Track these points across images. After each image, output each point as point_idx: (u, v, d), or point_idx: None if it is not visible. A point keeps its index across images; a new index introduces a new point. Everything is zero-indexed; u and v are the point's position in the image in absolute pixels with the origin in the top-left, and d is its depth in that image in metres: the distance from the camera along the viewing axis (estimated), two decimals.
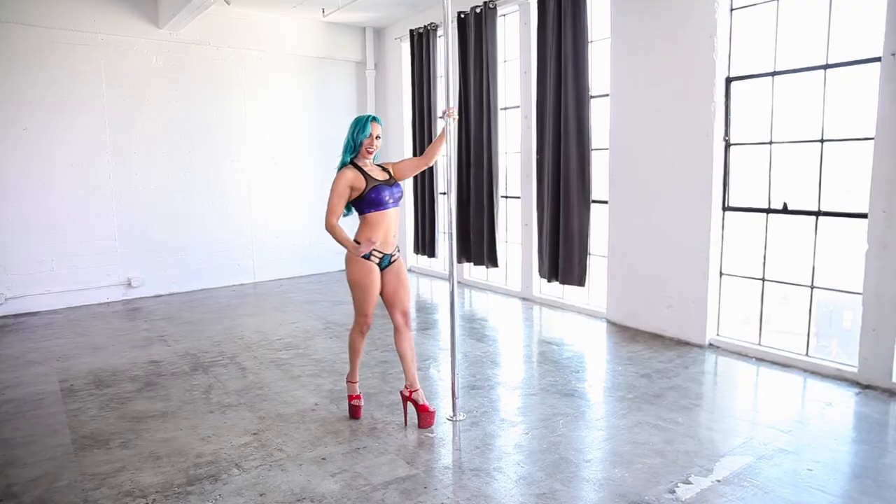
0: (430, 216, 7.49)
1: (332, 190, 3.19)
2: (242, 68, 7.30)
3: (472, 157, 6.68)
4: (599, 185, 5.53)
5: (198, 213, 7.14)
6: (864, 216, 3.88)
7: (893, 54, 3.64)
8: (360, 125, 3.24)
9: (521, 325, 5.61)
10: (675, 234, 4.88)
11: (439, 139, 3.49)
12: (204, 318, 5.91)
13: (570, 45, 5.44)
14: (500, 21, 6.44)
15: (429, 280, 7.54)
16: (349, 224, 3.22)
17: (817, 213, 4.12)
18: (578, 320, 5.61)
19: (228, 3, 6.63)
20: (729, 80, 4.54)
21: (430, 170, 7.20)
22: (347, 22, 7.89)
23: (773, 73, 4.31)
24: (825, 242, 4.14)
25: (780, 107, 4.31)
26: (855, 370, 3.95)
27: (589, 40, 5.44)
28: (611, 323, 5.43)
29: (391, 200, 3.27)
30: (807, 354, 4.25)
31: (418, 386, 3.41)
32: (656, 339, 4.95)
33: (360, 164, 3.26)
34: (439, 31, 7.05)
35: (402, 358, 3.41)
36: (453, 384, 3.48)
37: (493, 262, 6.66)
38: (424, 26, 7.16)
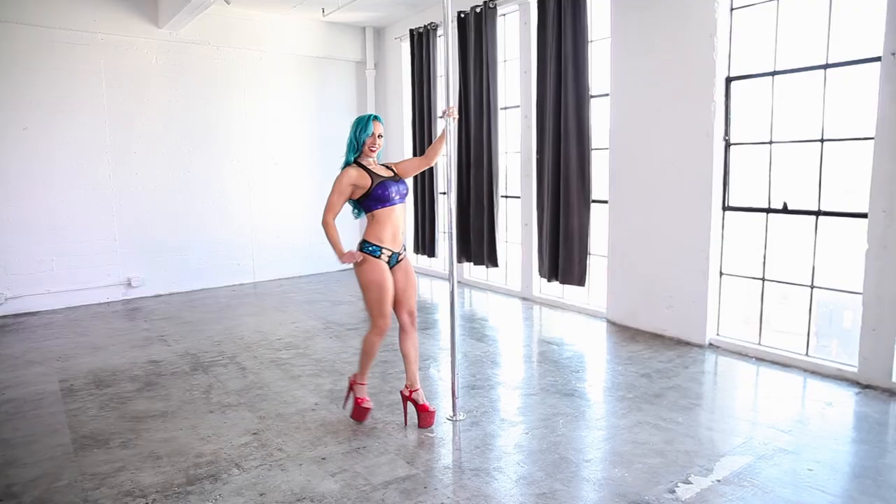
0: (430, 216, 7.49)
1: (333, 187, 3.19)
2: (242, 68, 7.30)
3: (472, 157, 6.67)
4: (599, 184, 5.53)
5: (198, 213, 7.14)
6: (864, 216, 3.88)
7: (893, 54, 3.64)
8: (363, 124, 3.24)
9: (521, 325, 5.61)
10: (675, 233, 4.87)
11: (440, 139, 3.49)
12: (204, 317, 5.91)
13: (570, 44, 5.44)
14: (500, 21, 6.44)
15: (429, 280, 7.54)
16: (354, 227, 3.22)
17: (817, 213, 4.12)
18: (578, 320, 5.61)
19: (228, 3, 6.64)
20: (729, 80, 4.54)
21: (431, 170, 7.20)
22: (347, 22, 7.89)
23: (773, 73, 4.31)
24: (825, 242, 4.14)
25: (780, 106, 4.31)
26: (855, 370, 3.95)
27: (589, 40, 5.43)
28: (611, 323, 5.43)
29: (398, 196, 3.27)
30: (807, 354, 4.25)
31: (419, 386, 3.41)
32: (656, 338, 4.95)
33: (363, 162, 3.26)
34: (439, 31, 7.05)
35: (405, 357, 3.41)
36: (453, 384, 3.48)
37: (493, 261, 6.66)
38: (424, 26, 7.16)
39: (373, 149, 3.26)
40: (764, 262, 4.47)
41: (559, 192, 5.69)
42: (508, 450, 3.13)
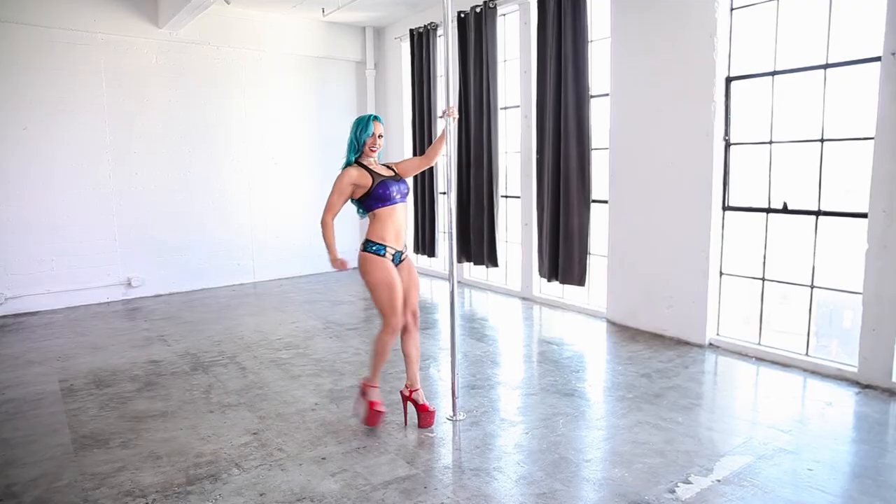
0: (430, 216, 7.49)
1: (333, 187, 3.19)
2: (242, 68, 7.30)
3: (472, 157, 6.68)
4: (599, 184, 5.54)
5: (198, 213, 7.14)
6: (864, 216, 3.88)
7: (893, 54, 3.64)
8: (363, 124, 3.25)
9: (521, 325, 5.61)
10: (675, 233, 4.87)
11: (440, 139, 3.49)
12: (204, 317, 5.91)
13: (570, 44, 5.44)
14: (500, 21, 6.44)
15: (429, 280, 7.54)
16: (355, 227, 3.22)
17: (817, 213, 4.12)
18: (578, 320, 5.61)
19: (228, 3, 6.64)
20: (729, 80, 4.54)
21: (431, 169, 7.20)
22: (347, 22, 7.89)
23: (773, 73, 4.31)
24: (825, 242, 4.14)
25: (780, 106, 4.31)
26: (855, 370, 3.95)
27: (589, 40, 5.43)
28: (611, 323, 5.43)
29: (398, 195, 3.27)
30: (807, 354, 4.25)
31: (419, 386, 3.41)
32: (656, 338, 4.95)
33: (364, 162, 3.27)
34: (439, 31, 7.05)
35: (406, 357, 3.41)
36: (453, 384, 3.48)
37: (493, 261, 6.66)
38: (424, 26, 7.16)
39: (373, 149, 3.26)
40: (764, 262, 4.47)
41: (559, 192, 5.69)
42: (508, 450, 3.13)
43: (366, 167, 3.24)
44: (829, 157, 4.07)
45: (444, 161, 3.48)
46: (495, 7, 6.24)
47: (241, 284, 7.46)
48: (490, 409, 3.64)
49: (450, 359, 3.50)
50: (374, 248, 3.22)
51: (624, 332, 5.14)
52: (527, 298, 6.38)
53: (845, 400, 3.71)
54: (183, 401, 3.83)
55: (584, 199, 5.56)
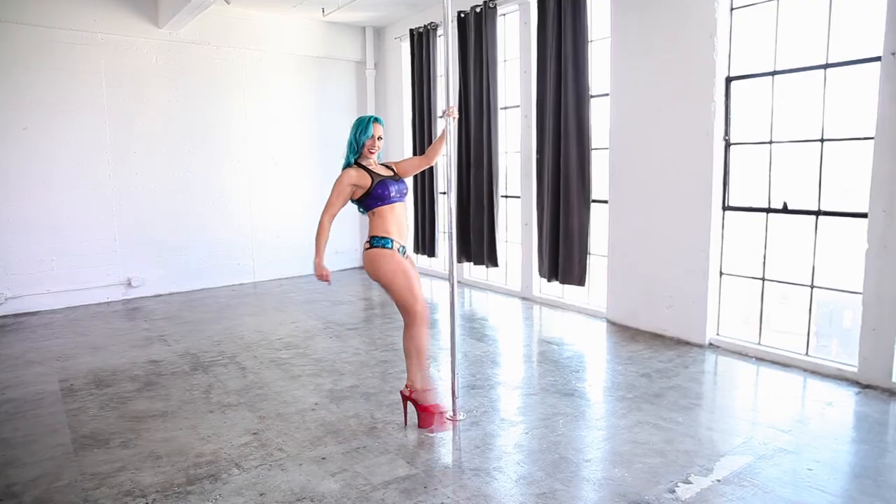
0: (430, 216, 7.49)
1: (333, 188, 3.20)
2: (242, 68, 7.30)
3: (472, 157, 6.67)
4: (599, 184, 5.53)
5: (198, 213, 7.14)
6: (864, 216, 3.88)
7: (893, 54, 3.64)
8: (363, 126, 3.25)
9: (521, 325, 5.61)
10: (675, 233, 4.87)
11: (440, 139, 3.50)
12: (204, 317, 5.91)
13: (570, 44, 5.44)
14: (500, 20, 6.44)
15: (429, 280, 7.54)
16: (355, 226, 3.21)
17: (817, 213, 4.12)
18: (578, 320, 5.61)
19: (228, 3, 6.63)
20: (729, 80, 4.54)
21: (431, 169, 7.20)
22: (347, 21, 7.89)
23: (773, 73, 4.31)
24: (825, 242, 4.14)
25: (780, 106, 4.31)
26: (855, 370, 3.95)
27: (589, 40, 5.43)
28: (611, 322, 5.43)
29: (397, 195, 3.28)
30: (807, 354, 4.25)
31: (430, 385, 3.40)
32: (656, 338, 4.95)
33: (363, 162, 3.27)
34: (439, 31, 7.05)
35: (417, 354, 3.39)
36: (453, 384, 3.48)
37: (493, 261, 6.66)
38: (424, 26, 7.16)
39: (372, 151, 3.27)
40: (764, 262, 4.47)
41: (559, 191, 5.69)
42: (508, 450, 3.13)
43: (365, 168, 3.25)
44: (829, 157, 4.07)
45: (444, 161, 3.48)
46: (495, 7, 6.24)
47: (241, 284, 7.46)
48: (490, 409, 3.64)
49: (450, 359, 3.50)
50: (380, 242, 3.22)
51: (624, 332, 5.14)
52: (527, 298, 6.38)
53: (845, 400, 3.71)
54: (183, 401, 3.83)
55: (584, 199, 5.56)
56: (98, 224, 6.52)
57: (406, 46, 7.77)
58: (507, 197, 6.75)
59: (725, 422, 3.43)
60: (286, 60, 7.65)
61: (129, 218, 6.68)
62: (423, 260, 7.93)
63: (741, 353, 4.53)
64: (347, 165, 3.26)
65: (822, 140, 4.08)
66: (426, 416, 3.37)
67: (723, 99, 4.56)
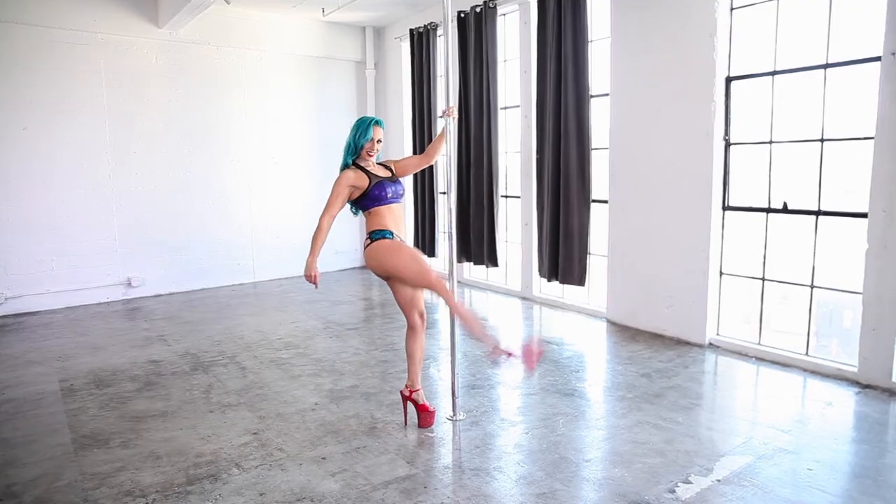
0: (430, 216, 7.49)
1: (332, 189, 3.19)
2: (242, 68, 7.30)
3: (472, 157, 6.68)
4: (599, 184, 5.54)
5: (198, 213, 7.14)
6: (864, 216, 3.88)
7: (893, 54, 3.64)
8: (362, 129, 3.24)
9: (521, 325, 5.61)
10: (675, 233, 4.87)
11: (440, 138, 3.50)
12: (204, 317, 5.91)
13: (570, 44, 5.44)
14: (500, 20, 6.44)
15: None
16: (355, 226, 3.21)
17: (817, 213, 4.12)
18: (578, 320, 5.61)
19: (228, 3, 6.63)
20: (729, 80, 4.54)
21: (430, 169, 7.20)
22: (347, 21, 7.89)
23: (773, 73, 4.31)
24: (825, 242, 4.14)
25: (780, 106, 4.31)
26: (855, 370, 3.95)
27: (589, 40, 5.43)
28: (611, 322, 5.43)
29: (393, 196, 3.28)
30: (807, 354, 4.25)
31: (419, 386, 3.41)
32: (656, 338, 4.95)
33: (361, 164, 3.27)
34: (439, 31, 7.05)
35: (410, 357, 3.40)
36: (453, 384, 3.48)
37: (493, 261, 6.66)
38: (424, 26, 7.16)
39: (371, 154, 3.27)
40: (764, 262, 4.47)
41: (559, 191, 5.69)
42: (508, 449, 3.13)
43: (363, 169, 3.24)
44: (829, 157, 4.07)
45: (444, 161, 3.48)
46: (495, 7, 6.24)
47: (241, 284, 7.46)
48: (490, 408, 3.64)
49: (450, 359, 3.50)
50: (380, 234, 3.21)
51: (624, 332, 5.14)
52: (527, 298, 6.38)
53: (845, 400, 3.71)
54: (183, 401, 3.83)
55: (584, 199, 5.56)
56: (98, 224, 6.52)
57: (406, 46, 7.77)
58: (507, 197, 6.75)
59: (725, 422, 3.43)
60: (286, 60, 7.65)
61: (129, 218, 6.69)
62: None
63: (741, 353, 4.53)
64: (345, 167, 3.26)
65: (822, 140, 4.08)
66: (426, 416, 3.38)
67: (723, 99, 4.56)
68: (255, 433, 3.35)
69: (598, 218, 5.59)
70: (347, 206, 3.36)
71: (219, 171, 7.26)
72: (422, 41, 7.24)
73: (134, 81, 6.59)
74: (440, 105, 6.98)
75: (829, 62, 4.02)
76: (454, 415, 3.48)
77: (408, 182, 7.55)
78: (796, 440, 3.19)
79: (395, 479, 2.83)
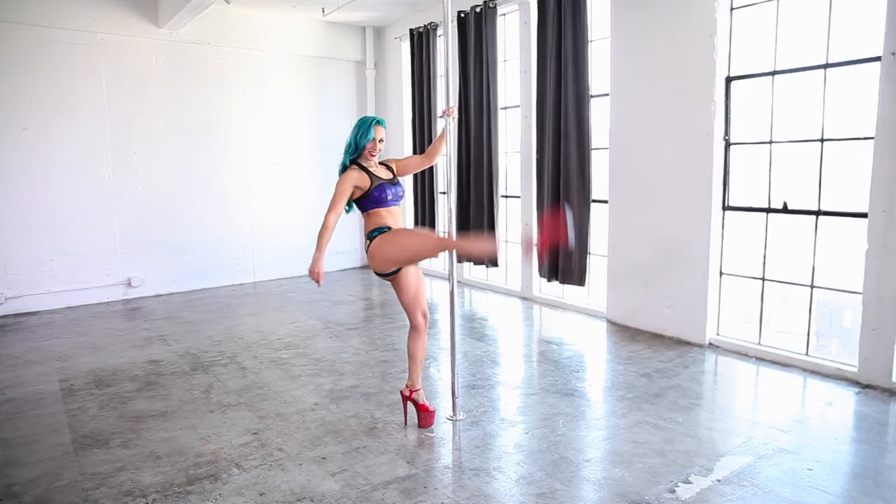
0: (430, 216, 7.49)
1: (336, 187, 3.18)
2: (242, 68, 7.30)
3: (472, 157, 6.68)
4: (599, 184, 5.54)
5: (198, 213, 7.14)
6: (864, 216, 3.88)
7: (893, 54, 3.64)
8: (364, 129, 3.24)
9: (521, 325, 5.61)
10: (675, 233, 4.87)
11: (440, 138, 3.49)
12: (204, 317, 5.91)
13: (570, 44, 5.44)
14: (500, 20, 6.44)
15: (429, 280, 7.54)
16: (355, 225, 3.20)
17: (817, 213, 4.12)
18: (578, 320, 5.61)
19: (228, 3, 6.63)
20: (729, 80, 4.54)
21: (430, 169, 7.20)
22: (347, 21, 7.89)
23: (773, 73, 4.31)
24: (825, 242, 4.14)
25: (780, 106, 4.31)
26: (855, 370, 3.95)
27: (589, 40, 5.43)
28: (611, 322, 5.43)
29: (392, 198, 3.28)
30: (807, 354, 4.25)
31: (420, 386, 3.41)
32: (656, 338, 4.95)
33: (364, 164, 3.26)
34: (439, 31, 7.05)
35: (412, 358, 3.40)
36: (453, 384, 3.48)
37: (492, 261, 6.66)
38: (424, 26, 7.16)
39: (373, 153, 3.27)
40: (764, 262, 4.47)
41: (559, 192, 5.69)
42: (508, 449, 3.13)
43: (365, 169, 3.24)
44: (829, 157, 4.07)
45: (444, 161, 3.48)
46: (495, 7, 6.24)
47: (241, 284, 7.46)
48: (490, 408, 3.64)
49: (450, 359, 3.50)
50: (377, 232, 3.21)
51: (624, 332, 5.14)
52: (527, 298, 6.38)
53: (845, 400, 3.71)
54: (183, 401, 3.83)
55: (584, 199, 5.56)
56: (98, 224, 6.52)
57: (406, 46, 7.77)
58: (507, 197, 6.76)
59: (725, 422, 3.43)
60: (286, 60, 7.65)
61: (129, 218, 6.68)
62: (423, 260, 7.92)
63: (741, 353, 4.53)
64: (344, 166, 3.25)
65: (822, 140, 4.08)
66: (426, 415, 3.38)
67: (723, 99, 4.56)
68: (255, 433, 3.35)
69: (598, 218, 5.59)
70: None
71: (219, 171, 7.26)
72: (422, 41, 7.24)
73: (134, 81, 6.59)
74: (440, 105, 6.98)
75: (829, 62, 4.02)
76: (454, 415, 3.48)
77: (408, 182, 7.55)
78: (796, 440, 3.19)
79: (395, 479, 2.83)
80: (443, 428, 3.40)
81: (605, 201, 5.44)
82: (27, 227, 6.12)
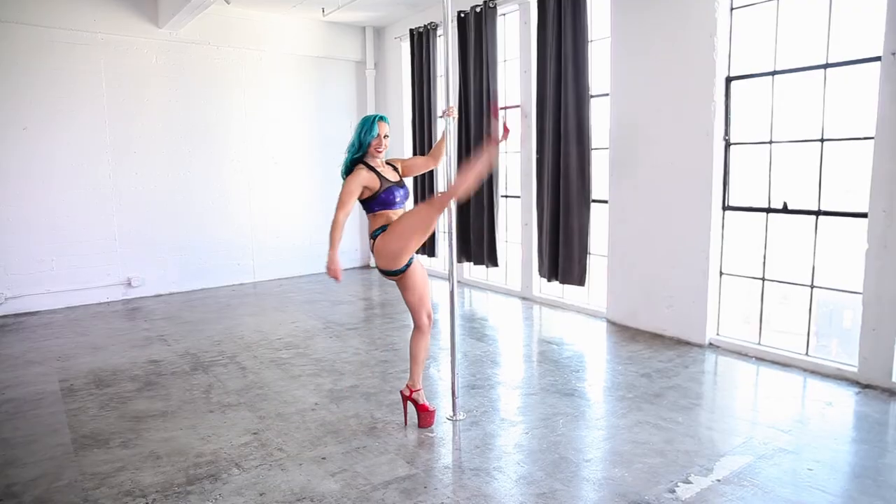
0: None
1: (344, 186, 3.15)
2: (242, 68, 7.30)
3: (471, 157, 6.67)
4: (599, 184, 5.54)
5: (198, 213, 7.14)
6: (864, 216, 3.88)
7: (893, 54, 3.64)
8: (368, 126, 3.23)
9: (521, 325, 5.61)
10: (675, 233, 4.87)
11: (444, 140, 3.48)
12: (204, 317, 5.91)
13: (570, 44, 5.44)
14: (500, 20, 6.44)
15: (429, 279, 7.53)
16: (356, 228, 3.20)
17: (817, 213, 4.12)
18: (578, 320, 5.61)
19: (228, 3, 6.63)
20: (729, 80, 4.54)
21: (431, 170, 7.19)
22: (347, 21, 7.89)
23: (773, 73, 4.31)
24: (825, 242, 4.14)
25: (780, 106, 4.31)
26: (855, 370, 3.95)
27: (589, 40, 5.43)
28: (611, 322, 5.43)
29: (400, 201, 3.28)
30: (807, 354, 4.25)
31: (420, 386, 3.41)
32: (656, 338, 4.95)
33: (372, 163, 3.25)
34: (439, 31, 7.05)
35: (414, 358, 3.40)
36: (453, 384, 3.48)
37: (493, 261, 6.66)
38: (424, 26, 7.16)
39: (379, 150, 3.25)
40: (764, 262, 4.47)
41: (559, 191, 5.69)
42: (508, 449, 3.13)
43: (374, 169, 3.23)
44: (829, 157, 4.07)
45: (445, 161, 3.48)
46: (495, 7, 6.24)
47: (241, 284, 7.46)
48: (490, 409, 3.64)
49: (450, 359, 3.50)
50: (381, 230, 3.20)
51: (624, 332, 5.14)
52: (527, 298, 6.38)
53: (845, 400, 3.71)
54: (183, 401, 3.83)
55: (584, 199, 5.56)
56: (98, 224, 6.52)
57: (406, 46, 7.77)
58: (507, 197, 6.75)
59: (725, 422, 3.43)
60: (286, 60, 7.65)
61: (129, 218, 6.68)
62: (423, 260, 7.93)
63: (741, 353, 4.53)
64: (348, 168, 3.24)
65: (822, 140, 4.08)
66: (426, 415, 3.38)
67: (723, 99, 4.56)
68: (255, 433, 3.35)
69: (598, 218, 5.58)
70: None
71: (219, 171, 7.26)
72: (422, 41, 7.24)
73: (134, 81, 6.59)
74: (440, 105, 6.98)
75: (829, 62, 4.02)
76: (454, 415, 3.48)
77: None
78: (796, 440, 3.19)
79: (395, 479, 2.83)
80: (443, 428, 3.40)
81: (605, 201, 5.44)
82: (27, 227, 6.12)
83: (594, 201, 5.57)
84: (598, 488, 2.75)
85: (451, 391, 3.51)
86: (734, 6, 4.48)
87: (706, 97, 4.56)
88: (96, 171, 6.47)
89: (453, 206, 3.47)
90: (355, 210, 3.38)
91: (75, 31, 6.21)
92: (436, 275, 7.70)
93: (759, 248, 4.49)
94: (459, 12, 6.54)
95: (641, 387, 3.92)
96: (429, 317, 3.39)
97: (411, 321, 3.44)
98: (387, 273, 3.28)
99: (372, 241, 3.25)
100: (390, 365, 4.40)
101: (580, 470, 2.92)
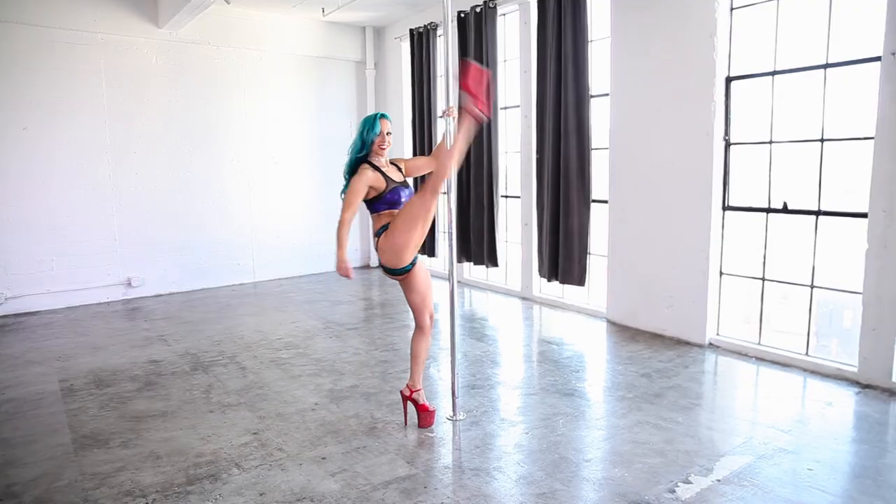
0: None
1: (350, 186, 3.15)
2: (242, 68, 7.30)
3: (472, 157, 6.67)
4: (599, 184, 5.54)
5: (198, 213, 7.14)
6: (864, 216, 3.88)
7: (893, 54, 3.64)
8: (370, 124, 3.22)
9: (521, 325, 5.61)
10: (675, 233, 4.87)
11: (444, 140, 3.48)
12: (204, 317, 5.91)
13: (570, 44, 5.44)
14: (500, 20, 6.44)
15: (432, 281, 7.53)
16: (356, 229, 3.19)
17: (817, 213, 4.12)
18: (578, 320, 5.61)
19: (228, 3, 6.63)
20: (729, 80, 4.54)
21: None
22: (347, 21, 7.89)
23: (773, 73, 4.31)
24: (825, 242, 4.14)
25: (780, 106, 4.31)
26: (855, 370, 3.95)
27: (589, 40, 5.44)
28: (611, 322, 5.43)
29: (405, 201, 3.27)
30: (807, 354, 4.25)
31: (420, 386, 3.41)
32: (656, 338, 4.95)
33: (376, 163, 3.24)
34: (439, 31, 7.05)
35: (415, 358, 3.40)
36: (453, 384, 3.48)
37: (493, 261, 6.66)
38: (424, 26, 7.16)
39: (382, 147, 3.24)
40: (764, 262, 4.47)
41: (559, 191, 5.69)
42: (508, 449, 3.13)
43: (379, 169, 3.22)
44: (829, 157, 4.07)
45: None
46: (495, 7, 6.24)
47: (241, 284, 7.46)
48: (490, 408, 3.64)
49: (450, 359, 3.50)
50: (384, 228, 3.19)
51: (624, 332, 5.14)
52: (527, 298, 6.38)
53: (845, 400, 3.71)
54: (183, 401, 3.83)
55: (584, 199, 5.56)
56: (98, 224, 6.52)
57: (406, 46, 7.77)
58: (507, 197, 6.75)
59: (725, 422, 3.43)
60: (286, 60, 7.65)
61: (129, 218, 6.68)
62: (423, 260, 7.92)
63: (741, 353, 4.53)
64: (350, 169, 3.23)
65: (822, 140, 4.08)
66: (426, 415, 3.38)
67: (723, 99, 4.56)
68: (255, 433, 3.35)
69: (598, 218, 5.59)
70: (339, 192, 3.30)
71: (219, 171, 7.26)
72: (422, 41, 7.24)
73: (134, 81, 6.59)
74: (440, 105, 6.98)
75: (829, 62, 4.02)
76: (454, 415, 3.48)
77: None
78: (796, 440, 3.19)
79: (395, 479, 2.83)
80: (443, 428, 3.40)
81: (605, 201, 5.44)
82: (27, 227, 6.12)
83: (594, 201, 5.57)
84: (598, 488, 2.75)
85: (451, 391, 3.51)
86: (734, 6, 4.48)
87: (706, 97, 4.56)
88: (96, 171, 6.47)
89: (453, 205, 3.47)
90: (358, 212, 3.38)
91: (75, 31, 6.21)
92: (436, 275, 7.70)
93: (759, 248, 4.49)
94: (459, 12, 6.55)
95: (641, 387, 3.92)
96: (431, 317, 3.40)
97: (411, 321, 3.45)
98: (391, 272, 3.28)
99: (376, 239, 3.25)
100: (390, 365, 4.40)
101: (580, 470, 2.92)
